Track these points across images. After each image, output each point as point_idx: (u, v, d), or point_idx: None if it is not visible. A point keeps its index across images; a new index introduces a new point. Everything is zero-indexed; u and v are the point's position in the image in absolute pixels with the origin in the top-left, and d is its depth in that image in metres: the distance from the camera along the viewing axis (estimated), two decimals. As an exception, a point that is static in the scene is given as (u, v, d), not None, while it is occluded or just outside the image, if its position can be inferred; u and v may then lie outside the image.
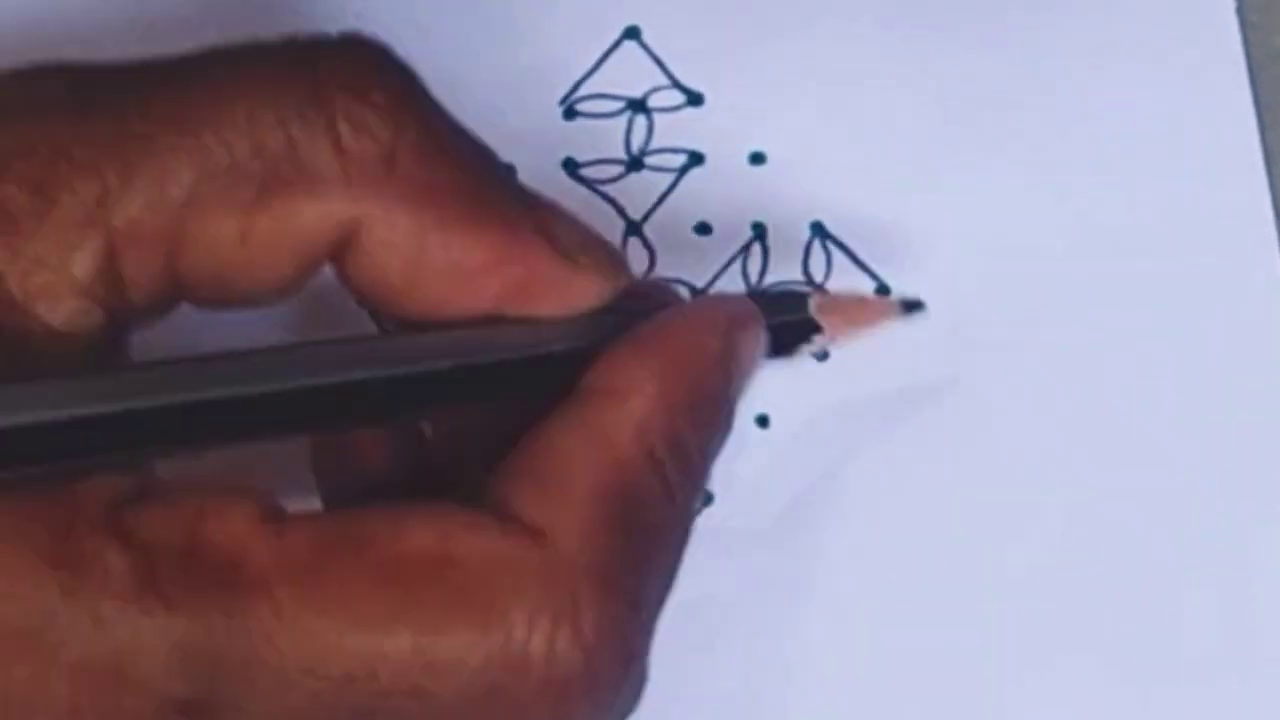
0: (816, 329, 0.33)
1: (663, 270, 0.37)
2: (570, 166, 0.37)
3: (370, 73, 0.28)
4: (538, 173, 0.37)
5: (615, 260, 0.30)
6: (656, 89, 0.38)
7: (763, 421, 0.37)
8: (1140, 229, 0.38)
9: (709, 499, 0.37)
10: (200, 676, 0.25)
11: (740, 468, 0.37)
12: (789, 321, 0.32)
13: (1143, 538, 0.37)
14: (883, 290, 0.37)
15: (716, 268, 0.37)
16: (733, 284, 0.37)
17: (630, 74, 0.38)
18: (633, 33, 0.38)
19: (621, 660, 0.28)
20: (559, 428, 0.28)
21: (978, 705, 0.36)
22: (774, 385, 0.37)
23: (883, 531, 0.37)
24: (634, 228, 0.37)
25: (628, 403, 0.28)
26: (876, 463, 0.37)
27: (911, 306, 0.34)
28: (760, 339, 0.31)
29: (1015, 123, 0.38)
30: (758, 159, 0.38)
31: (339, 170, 0.27)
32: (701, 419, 0.29)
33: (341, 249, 0.28)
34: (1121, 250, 0.37)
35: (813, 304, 0.33)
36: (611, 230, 0.37)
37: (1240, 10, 0.38)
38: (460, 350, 0.28)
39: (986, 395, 0.37)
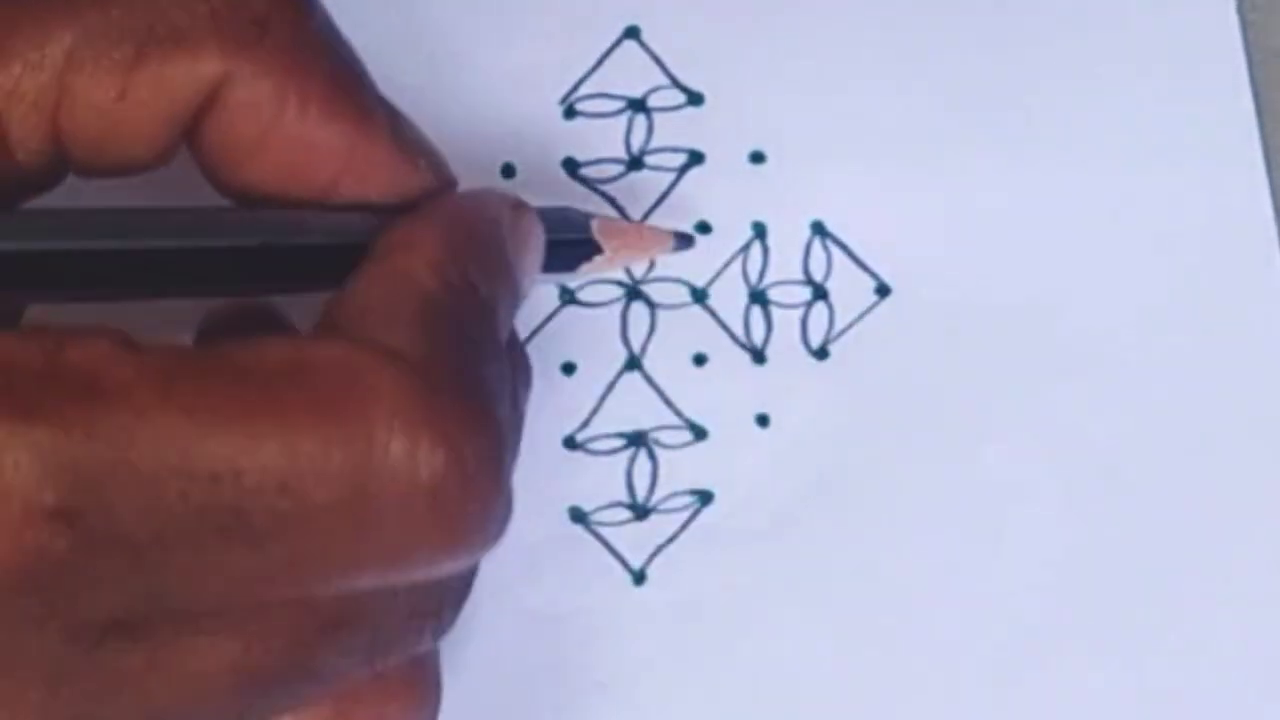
0: (598, 249, 0.34)
1: (662, 270, 0.37)
2: (570, 166, 0.37)
3: None
4: (538, 172, 0.37)
5: (445, 165, 0.32)
6: (656, 88, 0.38)
7: (763, 421, 0.37)
8: (1140, 229, 0.38)
9: (709, 498, 0.37)
10: (67, 482, 0.25)
11: (740, 468, 0.37)
12: (571, 239, 0.34)
13: (1142, 537, 0.37)
14: (882, 290, 0.37)
15: (716, 267, 0.37)
16: (733, 284, 0.37)
17: (630, 73, 0.38)
18: (633, 32, 0.38)
19: (492, 455, 0.28)
20: (366, 278, 0.29)
21: (978, 705, 0.36)
22: (774, 385, 0.37)
23: (883, 531, 0.37)
24: (634, 227, 0.37)
25: (418, 249, 0.30)
26: (876, 463, 0.37)
27: (683, 240, 0.36)
28: (535, 223, 0.32)
29: (1015, 123, 0.38)
30: (758, 158, 0.38)
31: (212, 31, 0.29)
32: (485, 267, 0.30)
33: (204, 112, 0.29)
34: (1121, 250, 0.37)
35: (595, 225, 0.34)
36: (611, 230, 0.37)
37: (1240, 10, 0.38)
38: (284, 229, 0.30)
39: (986, 395, 0.37)
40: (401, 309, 0.29)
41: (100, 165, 0.30)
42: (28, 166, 0.29)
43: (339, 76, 0.30)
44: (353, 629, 0.28)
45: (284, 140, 0.30)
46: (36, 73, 0.28)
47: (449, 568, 0.28)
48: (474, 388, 0.28)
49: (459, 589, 0.30)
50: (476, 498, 0.28)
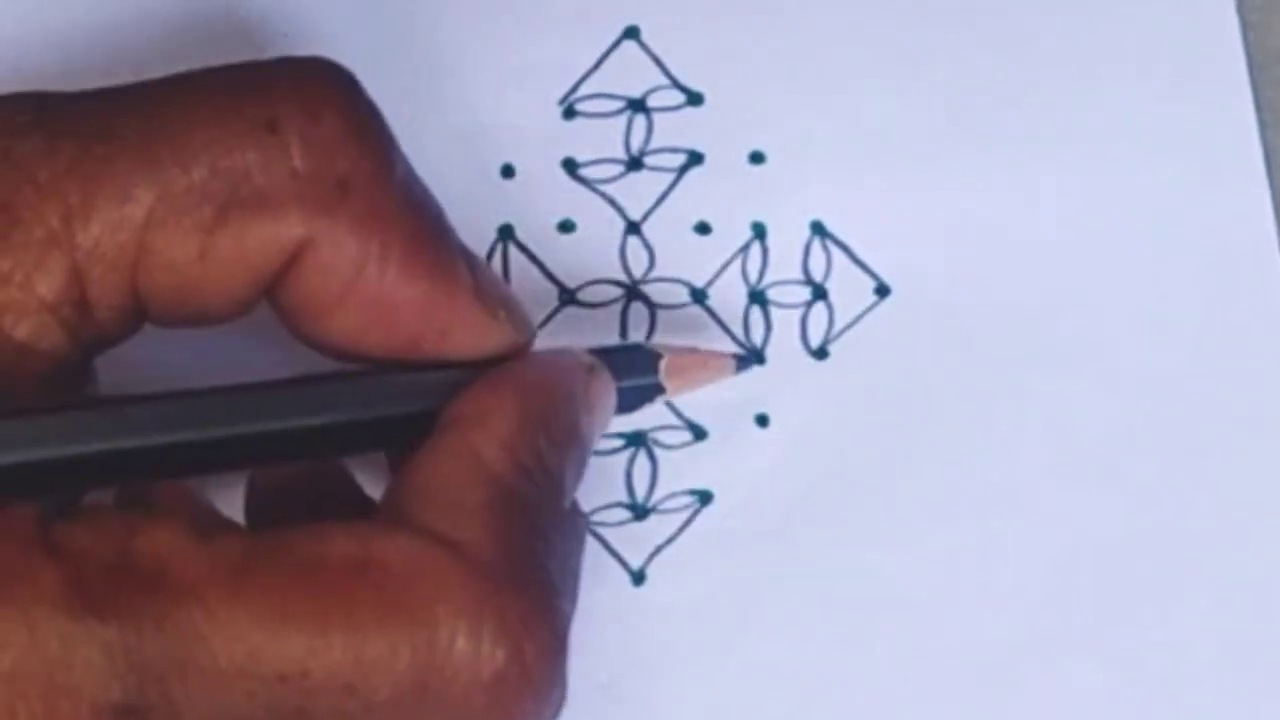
0: (661, 390, 0.34)
1: (662, 270, 0.37)
2: (570, 166, 0.37)
3: (327, 99, 0.29)
4: (537, 172, 0.37)
5: (525, 317, 0.32)
6: (656, 88, 0.38)
7: (762, 421, 0.37)
8: (1140, 229, 0.38)
9: (708, 498, 0.37)
10: (134, 681, 0.26)
11: (740, 468, 0.37)
12: (636, 385, 0.34)
13: (1142, 537, 0.37)
14: (882, 290, 0.37)
15: (716, 267, 0.37)
16: (733, 284, 0.37)
17: (630, 73, 0.38)
18: (632, 32, 0.38)
19: (551, 651, 0.28)
20: (434, 455, 0.29)
21: (979, 705, 0.36)
22: (774, 385, 0.37)
23: (882, 531, 0.37)
24: (633, 227, 0.37)
25: (489, 425, 0.30)
26: (876, 463, 0.37)
27: (744, 361, 0.36)
28: (609, 384, 0.33)
29: (1015, 122, 0.38)
30: (757, 158, 0.38)
31: (294, 194, 0.29)
32: (556, 439, 0.30)
33: (284, 270, 0.29)
34: (1121, 250, 0.37)
35: (662, 368, 0.34)
36: (611, 230, 0.37)
37: (1240, 10, 0.38)
38: (355, 400, 0.30)
39: (986, 395, 0.37)
40: (468, 495, 0.29)
41: (178, 318, 0.30)
42: (104, 322, 0.29)
43: (420, 233, 0.30)
44: None
45: (364, 299, 0.29)
46: (116, 232, 0.28)
47: None
48: (539, 581, 0.28)
49: None
50: (533, 692, 0.28)
